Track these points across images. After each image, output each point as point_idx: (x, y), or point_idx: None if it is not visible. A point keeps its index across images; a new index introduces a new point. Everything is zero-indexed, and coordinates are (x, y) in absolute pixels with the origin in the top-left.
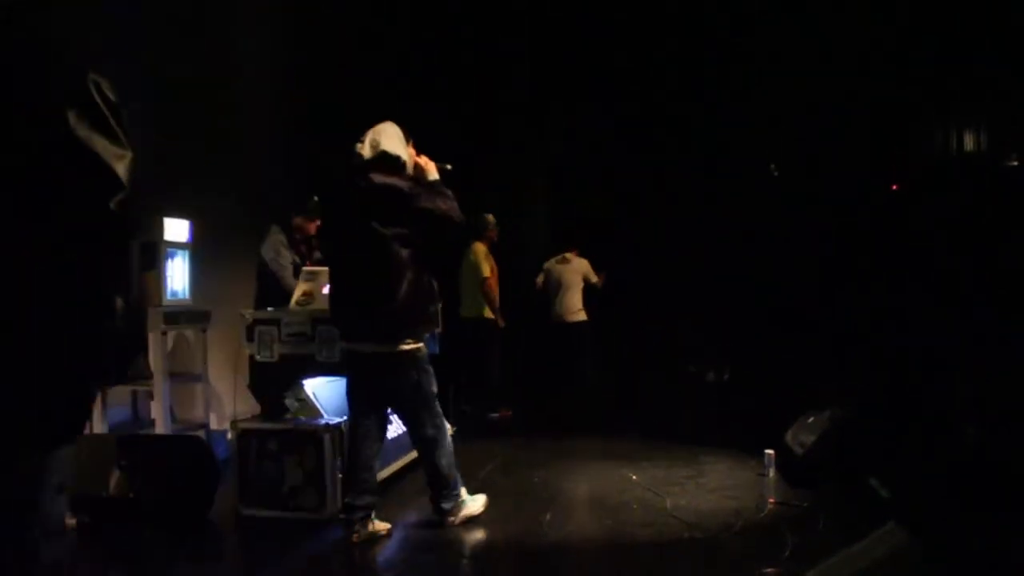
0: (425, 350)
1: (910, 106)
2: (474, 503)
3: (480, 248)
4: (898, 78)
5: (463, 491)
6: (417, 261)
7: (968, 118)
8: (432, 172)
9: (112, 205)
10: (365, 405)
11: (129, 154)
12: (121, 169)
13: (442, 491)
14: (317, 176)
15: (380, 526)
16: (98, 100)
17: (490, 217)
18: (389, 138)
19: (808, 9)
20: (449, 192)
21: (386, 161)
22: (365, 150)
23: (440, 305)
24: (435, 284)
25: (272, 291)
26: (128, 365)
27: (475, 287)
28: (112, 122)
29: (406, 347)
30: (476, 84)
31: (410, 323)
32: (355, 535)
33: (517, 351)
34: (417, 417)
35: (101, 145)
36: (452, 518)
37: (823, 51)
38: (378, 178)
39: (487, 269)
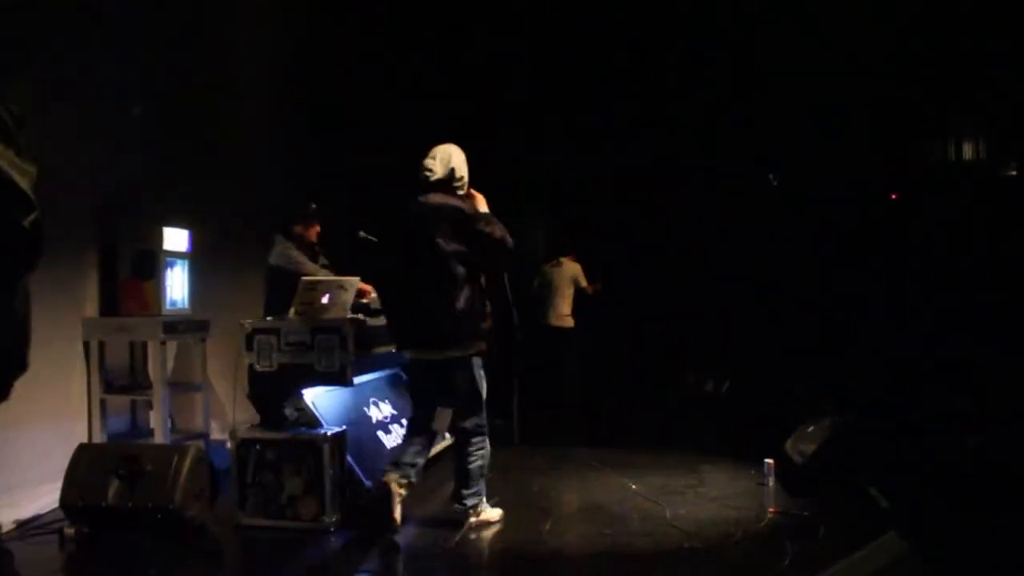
0: (480, 357)
1: (910, 115)
2: (492, 512)
3: None
4: (898, 87)
5: (484, 499)
6: (472, 279)
7: (968, 127)
8: (483, 204)
9: (26, 224)
10: (426, 404)
11: (33, 171)
12: (26, 186)
13: (469, 487)
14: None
15: (397, 512)
16: (3, 114)
17: None
18: (458, 159)
19: (808, 14)
20: (500, 223)
21: (452, 181)
22: (437, 167)
23: None
24: (486, 302)
25: (284, 298)
26: (10, 384)
27: None
28: (17, 137)
29: (464, 353)
30: (476, 86)
31: (465, 334)
32: (396, 483)
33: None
34: (467, 414)
35: (8, 160)
36: (473, 517)
37: (823, 59)
38: (441, 198)
39: None
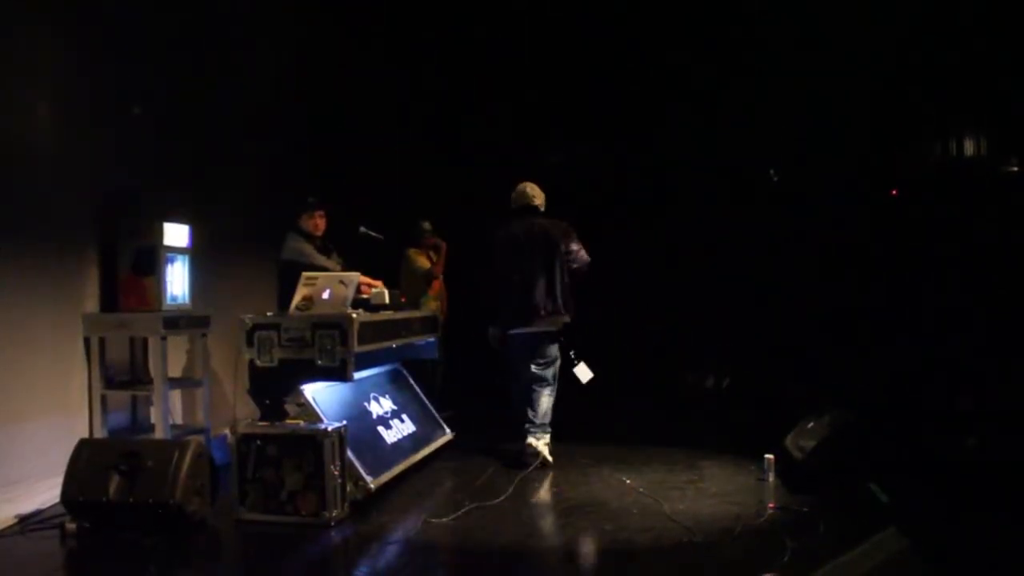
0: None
1: (910, 110)
2: (545, 450)
3: (412, 252)
4: (898, 83)
5: (547, 437)
6: (565, 275)
7: (968, 123)
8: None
9: None
10: (525, 368)
11: None
12: None
13: (536, 424)
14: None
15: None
16: None
17: (426, 224)
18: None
19: (808, 12)
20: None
21: (543, 207)
22: (539, 198)
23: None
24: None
25: (295, 292)
26: None
27: (417, 291)
28: None
29: (555, 328)
30: (475, 86)
31: (558, 316)
32: (531, 443)
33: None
34: (548, 368)
35: None
36: (535, 447)
37: (823, 55)
38: (549, 219)
39: (422, 260)
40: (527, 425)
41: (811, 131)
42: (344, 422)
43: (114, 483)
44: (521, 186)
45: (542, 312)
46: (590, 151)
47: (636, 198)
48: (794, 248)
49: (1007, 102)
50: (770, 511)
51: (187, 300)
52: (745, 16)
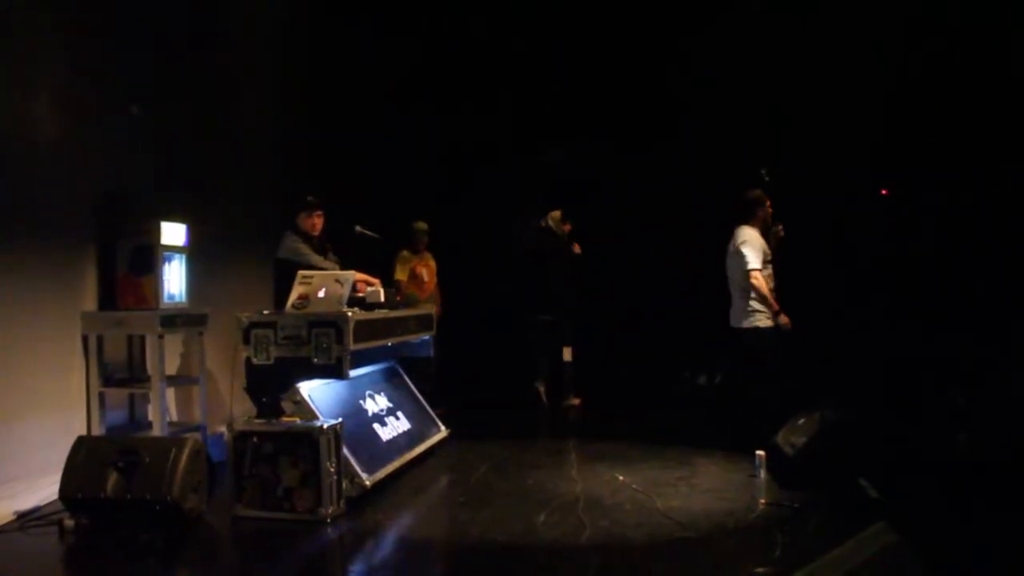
0: None
1: (903, 108)
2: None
3: (401, 255)
4: (893, 80)
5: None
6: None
7: (957, 122)
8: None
9: None
10: (549, 340)
11: None
12: None
13: (568, 386)
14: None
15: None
16: None
17: (421, 225)
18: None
19: (804, 10)
20: None
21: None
22: (549, 222)
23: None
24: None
25: (290, 290)
26: None
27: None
28: None
29: (567, 315)
30: (475, 87)
31: (568, 305)
32: (543, 386)
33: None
34: (567, 345)
35: None
36: (571, 402)
37: (817, 54)
38: (564, 238)
39: (400, 272)
40: (540, 377)
41: (808, 129)
42: (340, 419)
43: (112, 480)
44: (549, 214)
45: (560, 302)
46: (588, 149)
47: (632, 196)
48: (788, 246)
49: (998, 100)
50: (762, 507)
51: (184, 299)
52: (741, 15)
